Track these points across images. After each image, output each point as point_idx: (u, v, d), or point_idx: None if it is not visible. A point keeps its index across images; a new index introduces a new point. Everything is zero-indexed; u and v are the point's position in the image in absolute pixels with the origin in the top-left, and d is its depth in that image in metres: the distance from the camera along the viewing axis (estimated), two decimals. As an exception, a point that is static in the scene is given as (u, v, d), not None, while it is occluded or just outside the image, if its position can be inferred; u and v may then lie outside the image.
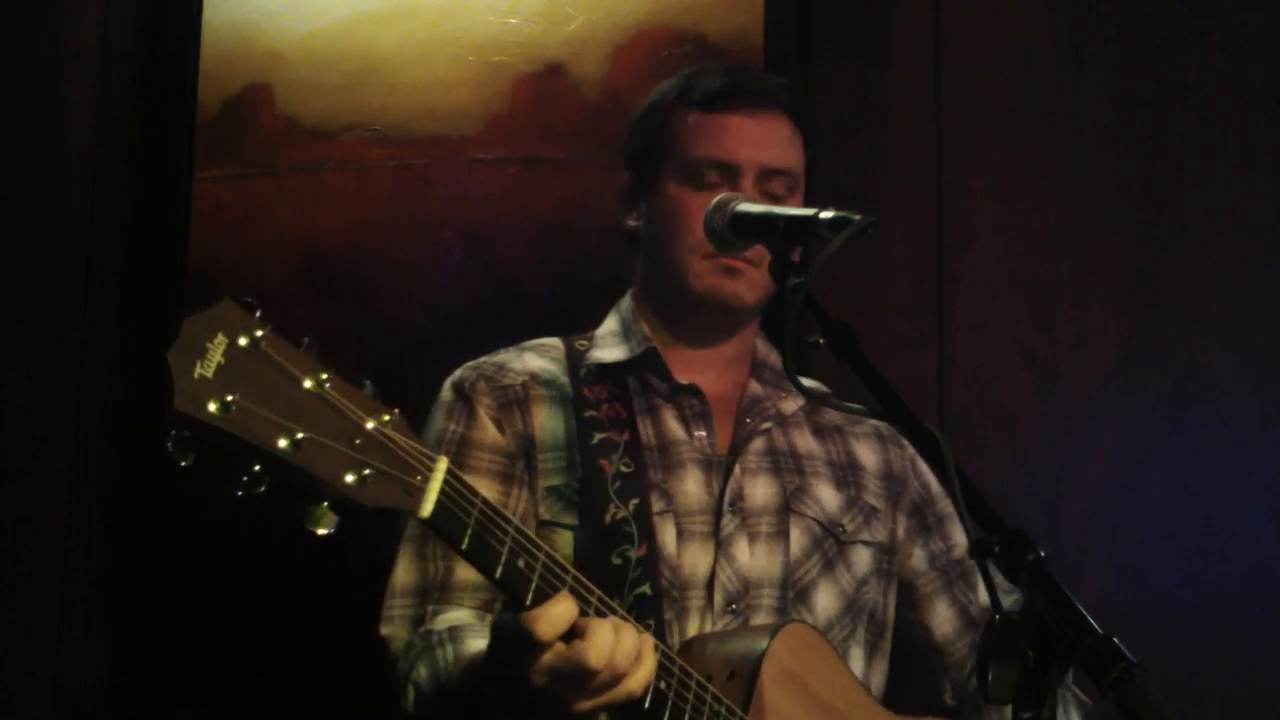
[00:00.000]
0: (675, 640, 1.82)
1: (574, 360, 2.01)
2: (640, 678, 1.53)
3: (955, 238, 2.76)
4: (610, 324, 2.07)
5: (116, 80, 3.03)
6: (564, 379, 1.98)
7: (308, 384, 1.30)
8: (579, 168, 2.80)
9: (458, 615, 1.83)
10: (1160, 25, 2.75)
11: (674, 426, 1.97)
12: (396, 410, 1.37)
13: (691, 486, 1.93)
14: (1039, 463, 2.67)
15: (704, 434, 1.97)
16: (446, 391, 1.99)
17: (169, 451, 1.29)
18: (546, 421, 1.95)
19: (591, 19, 2.83)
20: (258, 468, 1.28)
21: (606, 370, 2.00)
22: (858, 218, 1.57)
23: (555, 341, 2.06)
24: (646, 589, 1.83)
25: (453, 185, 2.85)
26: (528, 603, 1.47)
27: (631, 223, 2.06)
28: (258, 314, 1.30)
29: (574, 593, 1.50)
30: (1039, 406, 2.69)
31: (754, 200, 1.82)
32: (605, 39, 2.81)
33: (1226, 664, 2.57)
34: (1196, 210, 2.70)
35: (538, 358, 2.02)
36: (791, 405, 2.05)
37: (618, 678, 1.50)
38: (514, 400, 1.95)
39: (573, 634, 1.49)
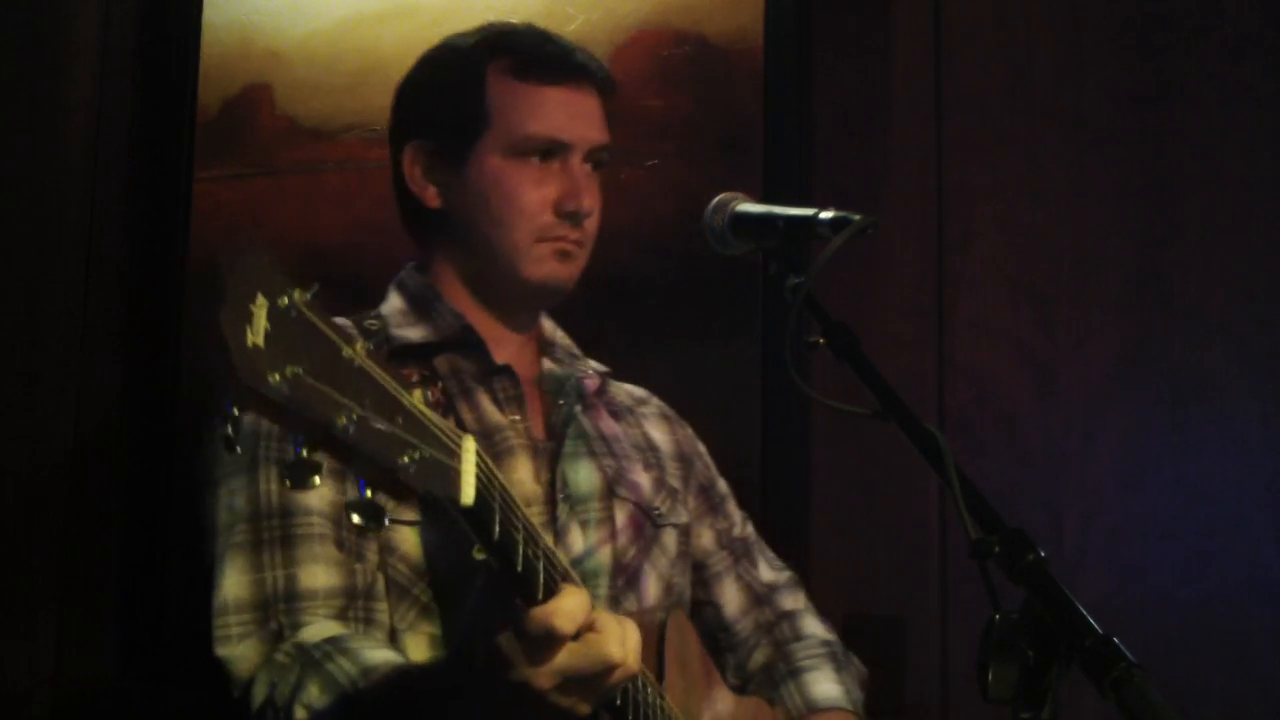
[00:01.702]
0: None
1: (372, 341, 1.85)
2: (637, 658, 1.42)
3: (955, 238, 2.76)
4: (396, 302, 1.92)
5: (116, 80, 3.03)
6: None
7: (347, 354, 1.13)
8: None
9: (326, 627, 1.67)
10: (1160, 25, 2.75)
11: (491, 410, 1.84)
12: (423, 386, 1.20)
13: (522, 475, 1.82)
14: (1039, 463, 2.67)
15: (518, 417, 1.86)
16: None
17: (227, 436, 1.10)
18: None
19: (591, 19, 2.82)
20: (305, 452, 1.11)
21: (410, 351, 1.84)
22: (858, 218, 1.57)
23: (345, 322, 1.84)
24: None
25: (453, 185, 2.85)
26: (540, 596, 1.33)
27: (430, 200, 1.89)
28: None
29: (568, 578, 1.38)
30: (1039, 406, 2.69)
31: (747, 199, 1.77)
32: (605, 39, 2.81)
33: (1226, 664, 2.57)
34: (1196, 210, 2.70)
35: None
36: (591, 385, 1.99)
37: (629, 667, 1.39)
38: None
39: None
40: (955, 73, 2.80)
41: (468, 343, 1.87)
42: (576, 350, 2.06)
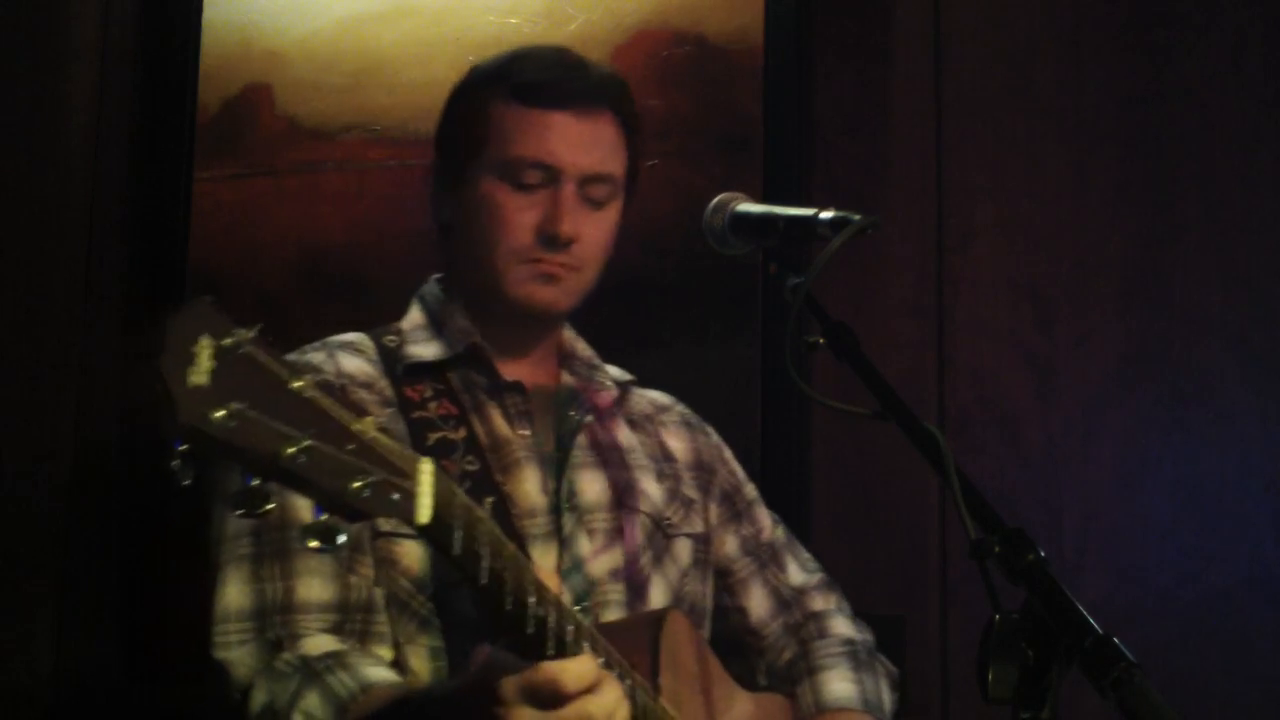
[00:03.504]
0: None
1: (388, 358, 1.90)
2: None
3: (955, 238, 2.76)
4: (416, 316, 1.96)
5: (116, 80, 3.03)
6: (383, 380, 1.87)
7: (295, 386, 1.17)
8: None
9: (325, 641, 1.71)
10: (1160, 25, 2.75)
11: (501, 424, 1.87)
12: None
13: (530, 487, 1.85)
14: (1039, 463, 2.67)
15: (527, 432, 1.89)
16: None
17: (175, 470, 1.15)
18: None
19: (591, 19, 2.83)
20: (256, 482, 1.16)
21: (425, 367, 1.88)
22: (858, 218, 1.57)
23: (362, 338, 1.94)
24: None
25: (453, 185, 2.85)
26: (507, 607, 1.37)
27: (443, 215, 1.95)
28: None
29: (545, 599, 1.41)
30: (1039, 406, 2.69)
31: (747, 199, 1.77)
32: (605, 39, 2.81)
33: (1226, 664, 2.57)
34: (1196, 210, 2.70)
35: (351, 358, 1.89)
36: (606, 397, 2.00)
37: None
38: None
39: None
40: (955, 73, 2.80)
41: (477, 359, 1.90)
42: (596, 361, 2.05)
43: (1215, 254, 2.68)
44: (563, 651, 1.43)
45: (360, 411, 1.22)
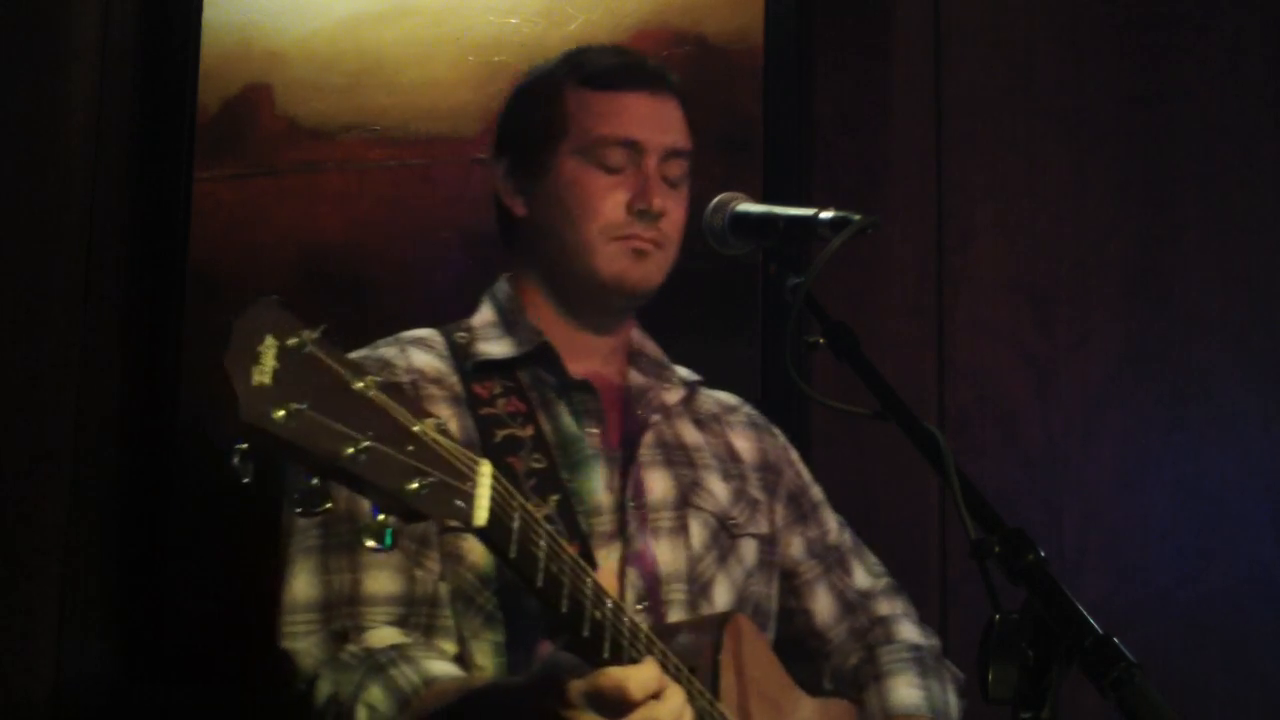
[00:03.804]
0: None
1: (458, 355, 1.92)
2: None
3: (955, 238, 2.76)
4: (487, 313, 1.99)
5: (116, 80, 3.03)
6: (453, 376, 1.89)
7: (357, 387, 1.19)
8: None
9: (389, 634, 1.74)
10: (1160, 25, 2.75)
11: (569, 422, 1.90)
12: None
13: (595, 485, 1.87)
14: (1039, 463, 2.67)
15: (596, 430, 1.91)
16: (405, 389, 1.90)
17: (235, 467, 1.14)
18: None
19: (591, 19, 2.83)
20: (316, 481, 1.18)
21: (494, 365, 1.91)
22: (858, 218, 1.57)
23: (434, 334, 1.96)
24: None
25: (453, 185, 2.85)
26: (563, 609, 1.40)
27: (517, 207, 1.97)
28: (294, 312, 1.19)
29: (603, 606, 1.44)
30: (1039, 406, 2.69)
31: (747, 199, 1.79)
32: (605, 39, 2.80)
33: (1226, 664, 2.57)
34: (1196, 210, 2.70)
35: (422, 353, 1.91)
36: (674, 396, 2.02)
37: None
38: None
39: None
40: (955, 73, 2.80)
41: (546, 358, 1.92)
42: (664, 360, 2.07)
43: (1215, 254, 2.68)
44: (619, 656, 1.45)
45: (421, 412, 1.25)
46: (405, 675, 1.65)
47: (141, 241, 2.96)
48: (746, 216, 1.73)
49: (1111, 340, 2.69)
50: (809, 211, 1.63)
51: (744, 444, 2.07)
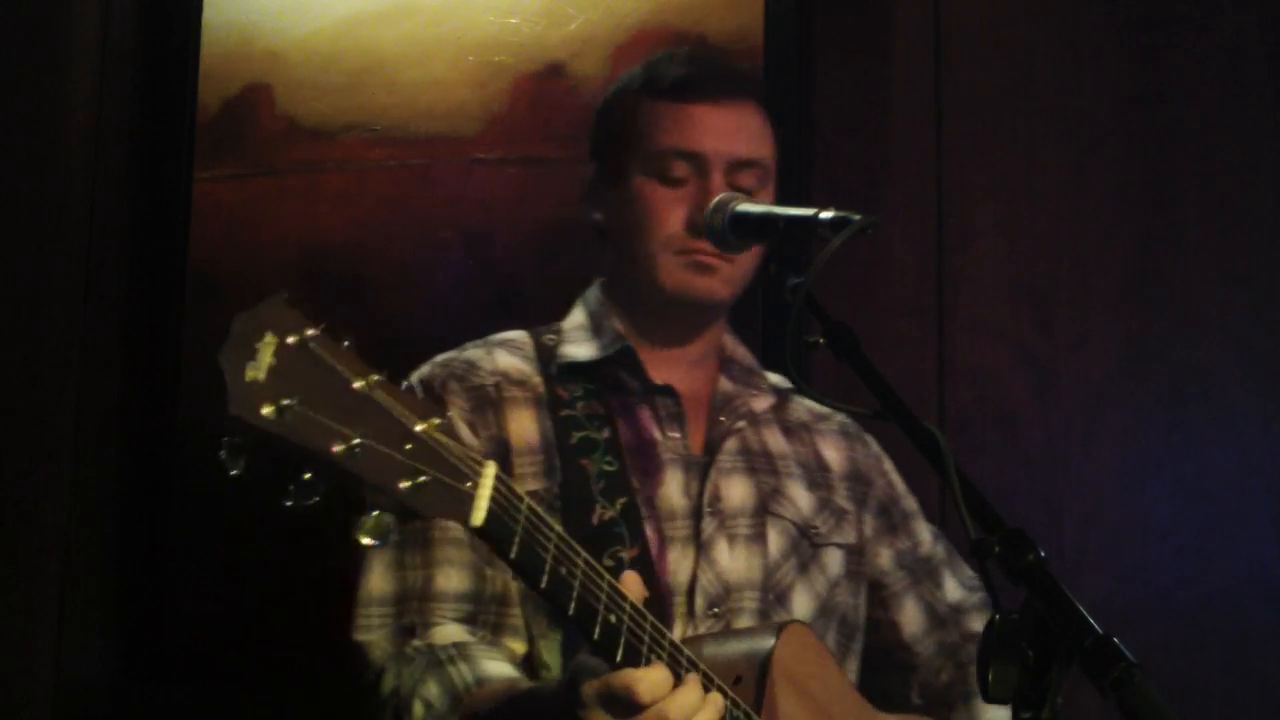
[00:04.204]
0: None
1: (544, 357, 1.95)
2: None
3: (955, 238, 2.76)
4: (578, 316, 2.01)
5: (116, 80, 3.03)
6: (536, 378, 1.92)
7: (358, 385, 1.22)
8: (579, 168, 2.78)
9: (454, 631, 1.78)
10: (1160, 25, 2.75)
11: (649, 427, 1.92)
12: (447, 413, 1.30)
13: (672, 489, 1.88)
14: (1039, 463, 2.67)
15: (678, 435, 1.92)
16: (415, 389, 1.92)
17: (222, 459, 1.18)
18: (522, 424, 1.88)
19: (591, 19, 2.83)
20: (309, 475, 1.21)
21: (578, 367, 1.93)
22: (858, 218, 1.57)
23: (523, 336, 1.99)
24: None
25: (453, 185, 2.85)
26: (570, 611, 1.41)
27: (598, 215, 1.99)
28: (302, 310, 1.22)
29: (619, 609, 1.45)
30: (1039, 406, 2.69)
31: (748, 199, 1.80)
32: (605, 39, 2.81)
33: (1226, 664, 2.57)
34: (1196, 210, 2.70)
35: (508, 355, 1.95)
36: (762, 403, 2.01)
37: None
38: (487, 402, 1.89)
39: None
40: (955, 73, 2.80)
41: (629, 362, 1.93)
42: (756, 367, 2.06)
43: (1215, 254, 2.68)
44: (634, 659, 1.46)
45: (427, 412, 1.27)
46: (460, 673, 1.69)
47: (141, 241, 2.96)
48: (746, 216, 1.73)
49: (1111, 340, 2.69)
50: (809, 211, 1.63)
51: (833, 453, 2.05)
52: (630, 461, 1.87)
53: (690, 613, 1.84)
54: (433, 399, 1.90)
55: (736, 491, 1.92)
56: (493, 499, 1.31)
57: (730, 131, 1.91)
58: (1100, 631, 1.24)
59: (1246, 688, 2.56)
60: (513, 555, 1.34)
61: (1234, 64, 2.72)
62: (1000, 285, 2.74)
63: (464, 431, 1.86)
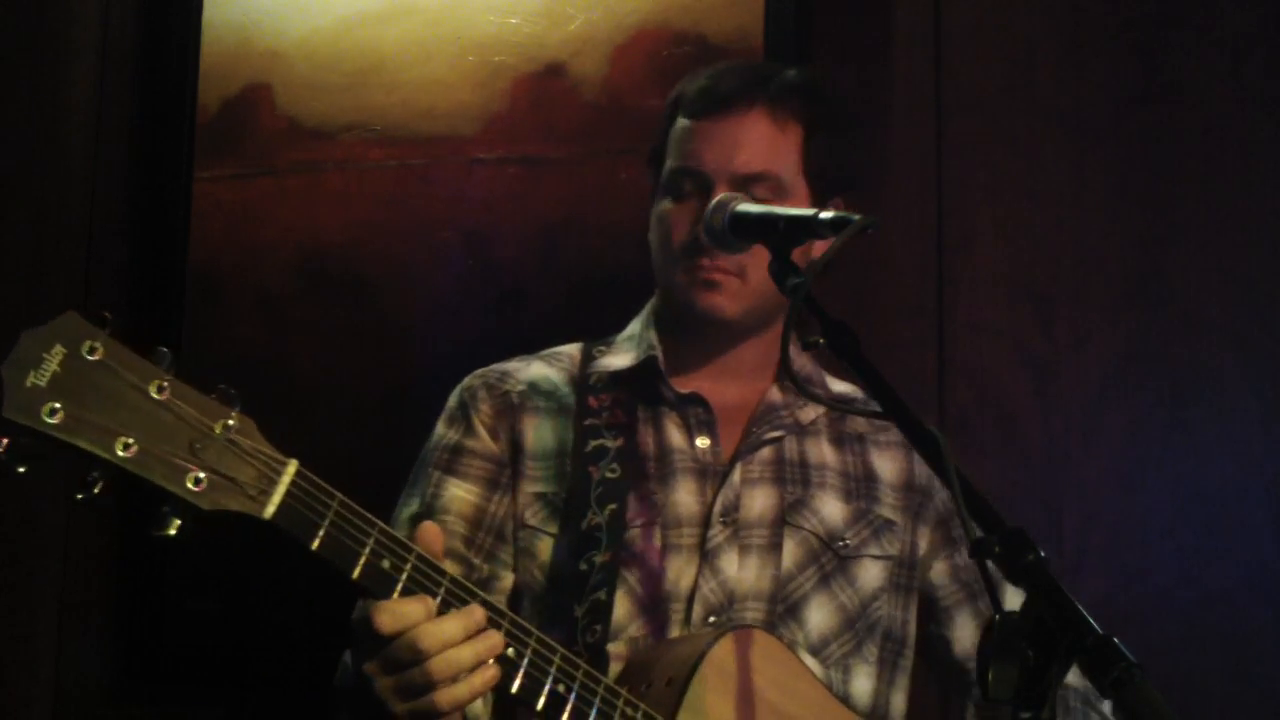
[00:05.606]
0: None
1: (585, 367, 2.00)
2: (473, 685, 1.52)
3: (955, 238, 2.76)
4: (631, 328, 2.06)
5: (116, 80, 3.03)
6: (565, 389, 1.98)
7: (148, 389, 1.35)
8: (579, 168, 2.80)
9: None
10: (1160, 25, 2.75)
11: (674, 435, 1.94)
12: (238, 413, 1.40)
13: (683, 497, 1.90)
14: (1039, 463, 2.67)
15: (707, 443, 1.94)
16: (452, 398, 2.01)
17: (3, 460, 1.31)
18: (540, 430, 1.94)
19: (591, 19, 2.82)
20: (94, 474, 1.34)
21: (617, 377, 1.98)
22: (858, 218, 1.57)
23: (572, 348, 2.06)
24: (601, 595, 1.82)
25: (453, 185, 2.85)
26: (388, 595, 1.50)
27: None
28: (105, 324, 1.34)
29: (433, 588, 1.51)
30: (1039, 406, 2.69)
31: (748, 199, 1.79)
32: (605, 39, 2.81)
33: (1226, 664, 2.57)
34: (1196, 210, 2.70)
35: (545, 367, 2.02)
36: (811, 413, 2.00)
37: (444, 660, 1.50)
38: (509, 407, 1.96)
39: None
40: (955, 73, 2.80)
41: (653, 371, 1.97)
42: (816, 377, 2.04)
43: (1215, 254, 2.68)
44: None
45: (218, 413, 1.39)
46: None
47: (141, 241, 2.96)
48: (746, 216, 1.73)
49: (1111, 340, 2.69)
50: (809, 211, 1.63)
51: (888, 464, 2.02)
52: (640, 469, 1.89)
53: (687, 620, 1.84)
54: (462, 407, 1.99)
55: (758, 501, 1.92)
56: (290, 494, 1.43)
57: (730, 146, 1.91)
58: (1100, 631, 1.25)
59: (1246, 688, 2.56)
60: (314, 547, 1.45)
61: (1234, 64, 2.72)
62: (1000, 285, 2.74)
63: (441, 431, 1.98)
